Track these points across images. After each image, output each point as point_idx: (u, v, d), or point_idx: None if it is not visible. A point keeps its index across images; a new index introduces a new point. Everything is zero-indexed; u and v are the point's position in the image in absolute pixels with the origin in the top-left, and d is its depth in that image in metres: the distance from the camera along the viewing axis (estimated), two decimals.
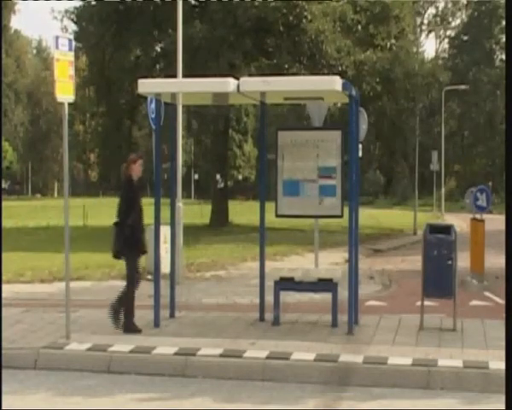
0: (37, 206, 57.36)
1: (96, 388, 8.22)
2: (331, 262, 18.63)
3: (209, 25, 28.69)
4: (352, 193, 10.59)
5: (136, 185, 10.12)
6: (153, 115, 14.92)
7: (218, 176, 35.60)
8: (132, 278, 10.11)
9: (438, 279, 10.24)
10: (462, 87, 53.50)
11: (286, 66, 29.12)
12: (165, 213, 11.03)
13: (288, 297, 11.94)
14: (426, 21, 78.48)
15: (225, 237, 27.52)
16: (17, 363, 8.96)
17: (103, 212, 47.22)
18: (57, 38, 9.46)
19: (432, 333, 10.08)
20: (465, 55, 71.79)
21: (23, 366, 8.93)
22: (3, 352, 8.92)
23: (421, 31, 77.03)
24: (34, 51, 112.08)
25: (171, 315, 11.06)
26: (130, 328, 10.04)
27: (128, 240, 9.96)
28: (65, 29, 34.65)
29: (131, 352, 9.05)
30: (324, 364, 8.57)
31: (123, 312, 10.11)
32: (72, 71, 9.63)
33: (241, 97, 10.60)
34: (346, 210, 10.39)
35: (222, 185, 36.22)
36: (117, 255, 10.16)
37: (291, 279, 10.62)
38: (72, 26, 34.59)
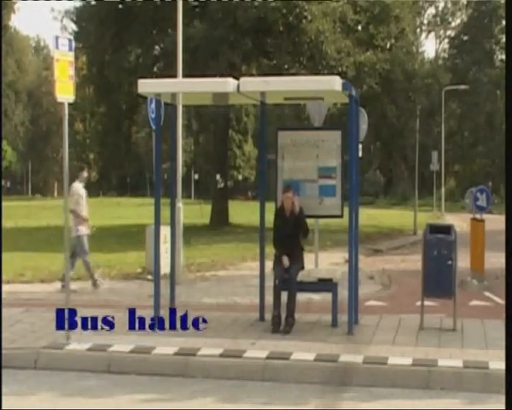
0: (38, 206, 57.38)
1: (96, 388, 8.22)
2: (331, 262, 18.60)
3: (209, 25, 28.67)
4: (352, 193, 10.59)
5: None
6: (153, 115, 14.91)
7: (218, 176, 35.59)
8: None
9: (438, 279, 10.25)
10: (462, 87, 53.39)
11: (286, 66, 29.12)
12: (165, 213, 11.03)
13: None
14: (426, 21, 78.52)
15: (225, 237, 27.51)
16: (17, 363, 8.96)
17: (103, 212, 47.28)
18: (57, 38, 9.46)
19: (432, 333, 10.08)
20: (465, 55, 71.74)
21: (23, 366, 8.93)
22: (3, 352, 8.92)
23: (421, 31, 76.97)
24: (33, 51, 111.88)
25: None
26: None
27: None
28: (64, 28, 34.73)
29: (131, 352, 9.04)
30: (324, 364, 8.57)
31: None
32: (72, 71, 9.63)
33: (241, 97, 10.60)
34: (346, 210, 10.40)
35: (222, 185, 36.20)
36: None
37: None
38: (72, 26, 34.65)
